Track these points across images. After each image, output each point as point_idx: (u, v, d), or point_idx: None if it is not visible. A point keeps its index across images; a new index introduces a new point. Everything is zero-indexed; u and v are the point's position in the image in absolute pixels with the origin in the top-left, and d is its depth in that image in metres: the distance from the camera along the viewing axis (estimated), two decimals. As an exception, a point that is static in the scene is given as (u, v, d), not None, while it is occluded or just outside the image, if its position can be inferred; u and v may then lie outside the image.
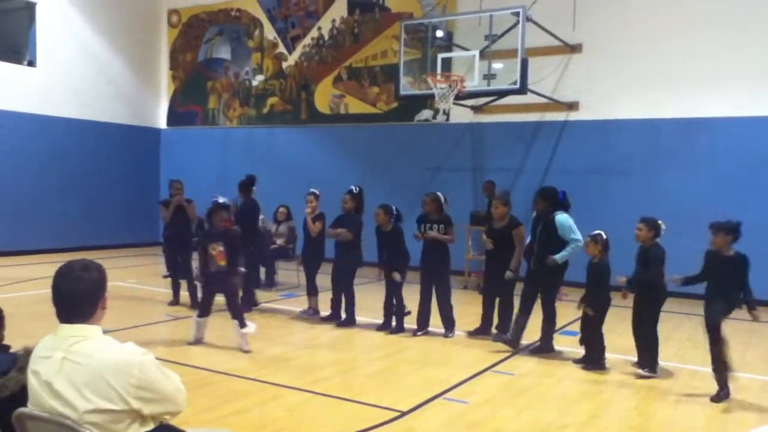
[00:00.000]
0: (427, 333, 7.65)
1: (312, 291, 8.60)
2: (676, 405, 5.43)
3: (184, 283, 8.83)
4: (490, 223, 7.54)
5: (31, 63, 14.14)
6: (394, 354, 6.85)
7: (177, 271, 8.93)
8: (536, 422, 4.90)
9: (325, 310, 8.40)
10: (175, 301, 8.90)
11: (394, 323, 7.81)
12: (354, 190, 8.17)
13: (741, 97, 10.51)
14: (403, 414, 4.94)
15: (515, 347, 6.93)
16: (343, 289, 8.08)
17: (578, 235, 6.65)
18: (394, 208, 7.79)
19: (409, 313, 7.82)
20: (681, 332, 8.13)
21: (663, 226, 6.15)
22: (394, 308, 7.82)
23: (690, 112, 10.86)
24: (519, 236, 7.19)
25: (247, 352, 6.57)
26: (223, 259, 6.67)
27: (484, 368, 6.29)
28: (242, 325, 6.64)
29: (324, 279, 8.49)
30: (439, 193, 7.72)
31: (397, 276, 7.66)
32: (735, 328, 5.89)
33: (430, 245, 7.55)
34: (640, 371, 6.09)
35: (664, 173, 11.04)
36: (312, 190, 8.56)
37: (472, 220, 11.21)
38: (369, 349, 7.07)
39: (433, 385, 5.69)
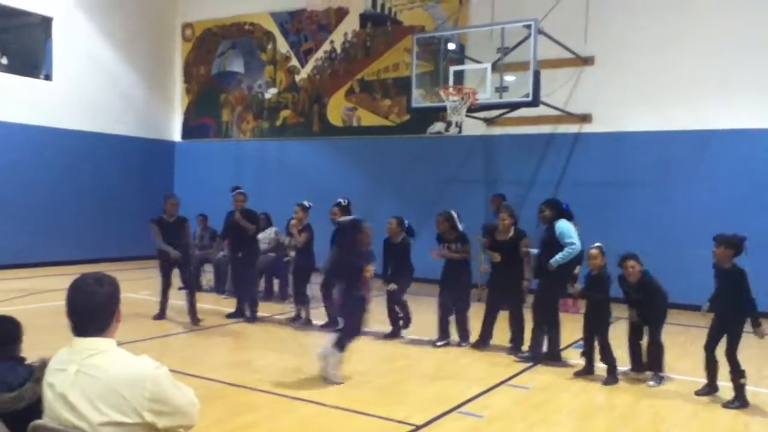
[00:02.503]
0: (448, 344, 7.66)
1: (302, 300, 8.74)
2: (693, 419, 5.35)
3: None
4: (493, 236, 7.58)
5: (48, 77, 14.31)
6: (407, 367, 6.81)
7: (186, 284, 9.03)
8: (551, 437, 4.86)
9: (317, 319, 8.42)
10: (161, 315, 8.84)
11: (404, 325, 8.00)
12: (342, 203, 8.08)
13: (754, 110, 10.43)
14: (417, 428, 4.90)
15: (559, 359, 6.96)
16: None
17: (575, 240, 6.72)
18: (406, 222, 7.94)
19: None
20: (698, 346, 7.98)
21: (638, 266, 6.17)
22: (399, 315, 7.96)
23: (703, 125, 10.80)
24: (526, 247, 7.31)
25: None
26: None
27: (498, 382, 6.24)
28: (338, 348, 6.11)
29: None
30: (452, 212, 7.77)
31: (392, 286, 7.82)
32: (752, 342, 5.80)
33: (449, 262, 7.72)
34: (650, 383, 6.16)
35: (677, 186, 10.96)
36: (302, 202, 8.65)
37: (484, 233, 11.13)
38: (381, 362, 7.03)
39: (447, 398, 5.65)
